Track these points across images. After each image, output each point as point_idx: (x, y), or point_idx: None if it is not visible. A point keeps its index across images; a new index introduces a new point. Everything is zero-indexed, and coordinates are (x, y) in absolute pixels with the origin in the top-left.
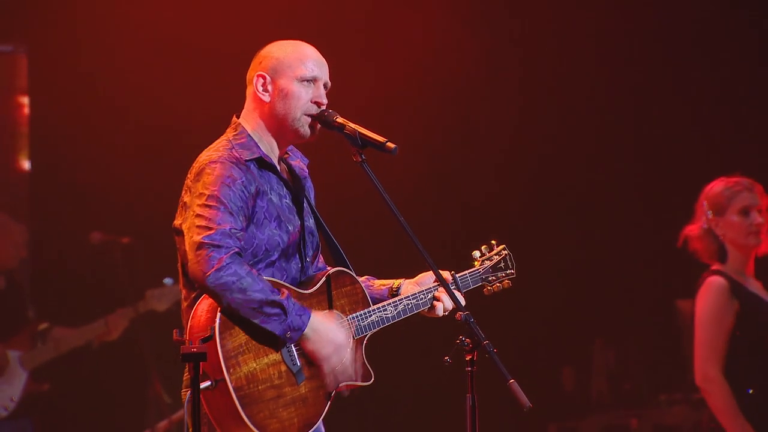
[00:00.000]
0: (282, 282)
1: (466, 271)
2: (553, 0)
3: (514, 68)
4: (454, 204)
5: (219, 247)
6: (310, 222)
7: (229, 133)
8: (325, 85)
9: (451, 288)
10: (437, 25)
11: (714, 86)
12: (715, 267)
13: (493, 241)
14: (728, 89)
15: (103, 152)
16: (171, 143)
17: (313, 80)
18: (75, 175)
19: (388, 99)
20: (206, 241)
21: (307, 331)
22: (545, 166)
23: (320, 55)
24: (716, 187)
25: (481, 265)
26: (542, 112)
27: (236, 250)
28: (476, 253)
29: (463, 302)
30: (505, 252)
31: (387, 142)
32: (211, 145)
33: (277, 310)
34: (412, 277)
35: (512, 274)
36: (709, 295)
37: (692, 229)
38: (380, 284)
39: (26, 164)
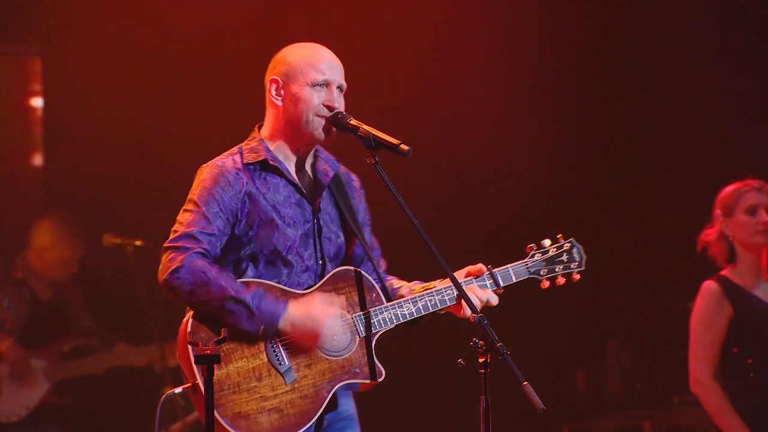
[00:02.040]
0: (265, 282)
1: (509, 265)
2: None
3: (534, 70)
4: (469, 206)
5: (178, 248)
6: (331, 227)
7: (246, 140)
8: (340, 87)
9: (470, 288)
10: (457, 28)
11: (729, 90)
12: (724, 271)
13: (558, 235)
14: (745, 93)
15: (116, 154)
16: (184, 145)
17: (325, 84)
18: (88, 177)
19: (403, 101)
20: (168, 245)
21: (282, 324)
22: (559, 167)
23: (334, 57)
24: (727, 189)
25: (529, 257)
26: (558, 114)
27: (198, 251)
28: (532, 246)
29: (481, 300)
30: (569, 245)
31: (401, 144)
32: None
33: (240, 308)
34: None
35: (578, 266)
36: (701, 299)
37: (709, 234)
38: (422, 287)
39: (40, 166)
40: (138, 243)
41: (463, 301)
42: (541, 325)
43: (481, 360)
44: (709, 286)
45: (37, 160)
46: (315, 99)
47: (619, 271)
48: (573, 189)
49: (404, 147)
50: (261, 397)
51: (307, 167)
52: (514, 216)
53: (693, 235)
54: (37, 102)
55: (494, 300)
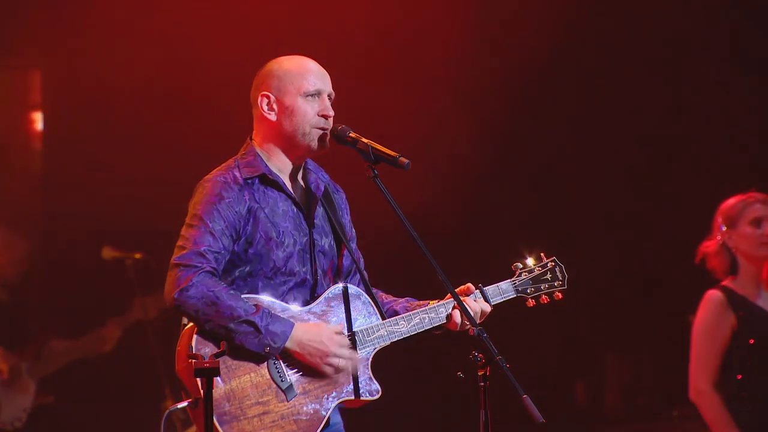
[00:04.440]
0: (268, 298)
1: (499, 283)
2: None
3: (534, 80)
4: (468, 219)
5: (188, 267)
6: (324, 240)
7: (239, 153)
8: (329, 96)
9: (464, 301)
10: (458, 37)
11: (726, 102)
12: (725, 282)
13: (541, 254)
14: (742, 105)
15: (115, 167)
16: (184, 158)
17: (317, 94)
18: (87, 190)
19: (400, 112)
20: (177, 262)
21: (289, 344)
22: (559, 179)
23: (321, 67)
24: (730, 201)
25: (517, 276)
26: (560, 124)
27: (207, 269)
28: (518, 265)
29: (476, 312)
30: (552, 264)
31: (400, 157)
32: (220, 165)
33: (249, 328)
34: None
35: (561, 285)
36: (704, 308)
37: (708, 246)
38: (416, 305)
39: (39, 179)
40: (138, 256)
41: (453, 311)
42: (540, 338)
43: (480, 373)
44: (714, 295)
45: (37, 172)
46: (310, 110)
47: (618, 284)
48: (572, 201)
49: (403, 160)
50: (263, 413)
51: (299, 179)
52: (513, 227)
53: (693, 247)
54: (37, 115)
55: (487, 309)
